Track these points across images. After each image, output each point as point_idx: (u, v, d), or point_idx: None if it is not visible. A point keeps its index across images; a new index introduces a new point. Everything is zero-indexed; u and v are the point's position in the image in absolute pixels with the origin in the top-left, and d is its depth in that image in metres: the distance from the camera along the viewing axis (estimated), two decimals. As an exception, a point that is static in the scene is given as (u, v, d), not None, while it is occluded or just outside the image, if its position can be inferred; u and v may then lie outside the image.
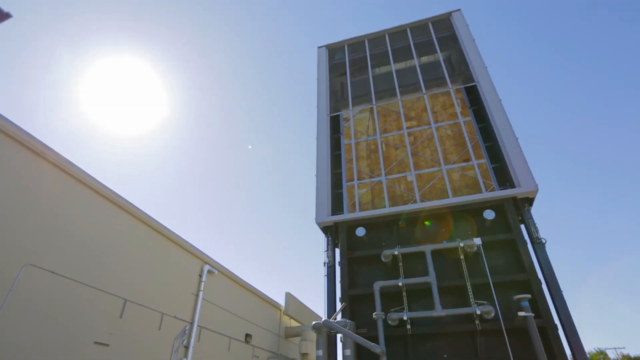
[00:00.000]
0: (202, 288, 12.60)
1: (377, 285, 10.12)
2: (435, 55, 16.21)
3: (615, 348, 34.11)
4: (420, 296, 10.25)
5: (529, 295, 8.63)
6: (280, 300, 18.86)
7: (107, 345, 8.61)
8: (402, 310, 9.98)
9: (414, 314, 9.61)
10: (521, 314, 8.43)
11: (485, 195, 11.00)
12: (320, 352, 9.57)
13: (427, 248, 10.34)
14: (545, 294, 9.28)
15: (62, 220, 8.18)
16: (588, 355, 8.82)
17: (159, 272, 10.95)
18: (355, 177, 13.09)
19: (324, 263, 11.76)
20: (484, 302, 9.39)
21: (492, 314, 9.08)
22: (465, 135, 12.66)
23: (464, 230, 10.90)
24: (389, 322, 9.79)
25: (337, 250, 11.92)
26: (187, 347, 11.29)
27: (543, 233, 10.43)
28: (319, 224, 12.24)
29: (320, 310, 22.47)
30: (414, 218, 11.52)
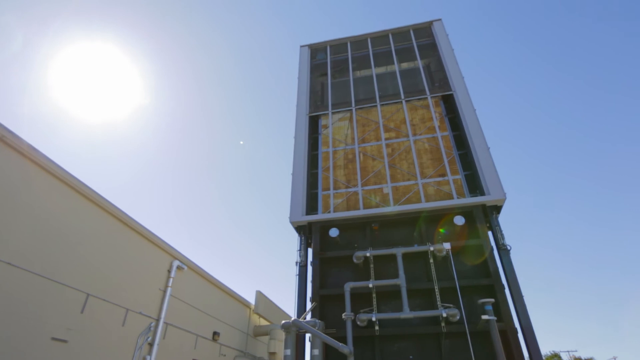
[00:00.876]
0: (170, 284, 12.29)
1: (348, 286, 10.20)
2: (415, 62, 16.53)
3: (568, 351, 35.99)
4: (389, 298, 10.43)
5: (492, 300, 8.96)
6: (251, 299, 18.70)
7: (65, 341, 8.24)
8: (371, 311, 10.12)
9: (383, 316, 9.76)
10: (484, 317, 8.73)
11: (456, 201, 11.32)
12: (289, 352, 9.55)
13: (398, 251, 10.53)
14: (507, 299, 9.65)
15: (19, 208, 7.76)
16: (544, 358, 9.24)
17: (126, 266, 10.59)
18: (332, 186, 13.00)
19: (297, 262, 11.75)
20: (450, 305, 9.67)
21: (457, 317, 9.36)
22: (442, 150, 12.84)
23: (434, 234, 11.17)
24: (358, 322, 9.89)
25: (310, 250, 11.93)
26: (151, 344, 10.98)
27: (508, 240, 10.83)
28: (292, 223, 12.21)
29: (291, 310, 22.37)
30: (386, 221, 11.69)
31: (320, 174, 13.65)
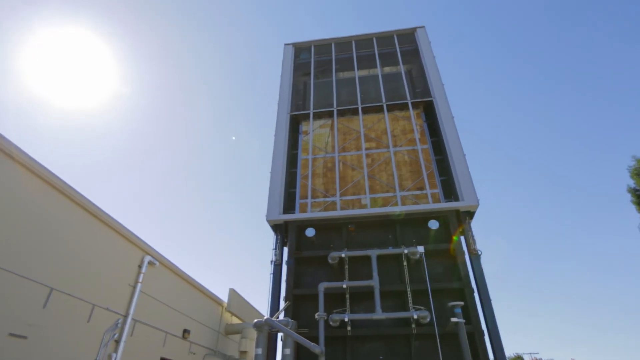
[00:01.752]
0: (140, 280, 11.97)
1: (322, 286, 10.23)
2: (397, 67, 16.76)
3: (530, 353, 37.46)
4: (363, 299, 10.53)
5: (462, 303, 9.19)
6: (224, 297, 18.46)
7: (24, 337, 7.88)
8: (344, 311, 10.18)
9: (355, 316, 9.84)
10: (453, 319, 8.95)
11: (432, 206, 11.56)
12: (260, 350, 9.48)
13: (373, 253, 10.64)
14: (476, 302, 9.94)
15: (-17, 197, 7.38)
16: (507, 359, 9.57)
17: (94, 260, 10.24)
18: (310, 195, 12.82)
19: (272, 261, 11.68)
20: (421, 307, 9.86)
21: (428, 319, 9.55)
22: (422, 163, 12.85)
23: (409, 238, 11.36)
24: (331, 323, 9.94)
25: (286, 249, 11.89)
26: (118, 342, 10.67)
27: (479, 245, 11.14)
28: (269, 221, 12.14)
29: (264, 309, 22.22)
30: (363, 223, 11.80)
31: (298, 181, 13.44)
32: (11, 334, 7.58)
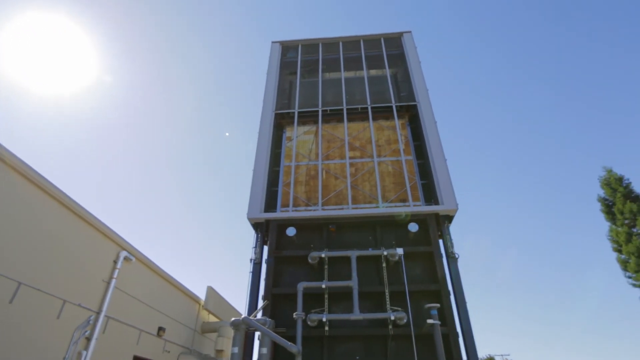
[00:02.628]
0: (115, 275, 11.68)
1: (301, 286, 10.22)
2: (383, 70, 16.91)
3: (502, 355, 38.43)
4: (341, 299, 10.57)
5: (438, 305, 9.35)
6: (202, 294, 18.20)
7: (-11, 332, 7.58)
8: (322, 311, 10.20)
9: (333, 316, 9.87)
10: (429, 321, 9.09)
11: (412, 209, 11.71)
12: (236, 349, 9.39)
13: (353, 254, 10.70)
14: (452, 304, 10.13)
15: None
16: (480, 361, 9.79)
17: (66, 254, 9.92)
18: (291, 203, 12.60)
19: (251, 259, 11.59)
20: (399, 308, 9.98)
21: (405, 320, 9.68)
22: (405, 175, 12.77)
23: (389, 239, 11.48)
24: (309, 322, 9.94)
25: (266, 248, 11.82)
26: (89, 339, 10.37)
27: (456, 248, 11.35)
28: (250, 219, 12.04)
29: (242, 307, 22.04)
30: (344, 224, 11.85)
31: (280, 188, 13.19)
32: (-26, 330, 7.28)
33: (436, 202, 11.88)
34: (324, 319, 9.82)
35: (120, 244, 12.17)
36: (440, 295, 10.23)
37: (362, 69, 16.83)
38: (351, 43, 17.94)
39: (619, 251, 24.09)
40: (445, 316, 9.81)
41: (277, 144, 14.61)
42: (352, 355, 9.95)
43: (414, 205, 12.05)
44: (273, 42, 17.91)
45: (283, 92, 16.66)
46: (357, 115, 15.00)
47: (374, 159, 13.36)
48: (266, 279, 10.98)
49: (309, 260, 10.88)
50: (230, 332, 15.21)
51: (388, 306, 10.04)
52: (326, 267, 10.85)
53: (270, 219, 12.00)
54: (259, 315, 10.18)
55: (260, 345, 9.39)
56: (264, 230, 12.06)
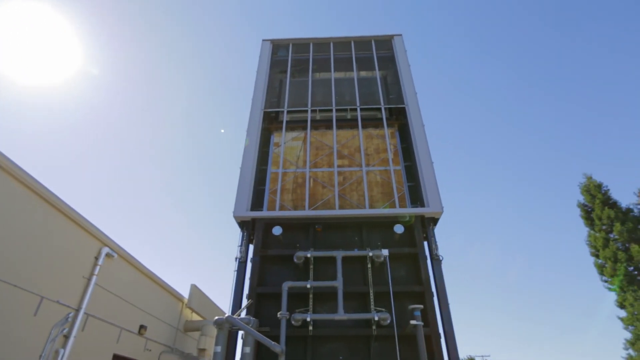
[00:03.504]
0: (96, 272, 11.44)
1: (286, 285, 10.20)
2: (373, 72, 17.00)
3: (482, 356, 39.02)
4: (326, 299, 10.59)
5: (421, 306, 9.46)
6: (186, 293, 17.99)
7: (-38, 329, 7.33)
8: (306, 311, 10.20)
9: (318, 316, 9.89)
10: (413, 322, 9.19)
11: (398, 210, 11.81)
12: (219, 349, 9.31)
13: (339, 254, 10.73)
14: (435, 306, 10.25)
15: None
16: (460, 361, 9.95)
17: (45, 249, 9.68)
18: (277, 209, 12.41)
19: (236, 258, 11.52)
20: (382, 309, 10.05)
21: (388, 321, 9.75)
22: (394, 185, 12.64)
23: (375, 241, 11.55)
24: (293, 322, 9.92)
25: (251, 247, 11.76)
26: (67, 336, 10.14)
27: (440, 251, 11.50)
28: (236, 218, 11.96)
29: (225, 306, 21.87)
30: (330, 224, 11.87)
31: (266, 197, 12.95)
32: (-54, 326, 7.04)
33: (422, 205, 12.01)
34: (308, 319, 9.82)
35: (102, 240, 11.93)
36: (423, 296, 10.35)
37: (352, 70, 16.89)
38: (342, 44, 17.98)
39: (597, 256, 24.82)
40: (428, 317, 9.93)
41: (265, 143, 14.53)
42: (336, 355, 9.98)
43: (400, 207, 12.15)
44: (264, 40, 17.82)
45: (273, 90, 16.60)
46: (347, 122, 14.87)
47: (362, 168, 13.17)
48: (251, 278, 10.92)
49: (295, 260, 10.86)
50: (214, 331, 15.07)
51: (372, 307, 10.11)
52: (312, 267, 10.86)
53: (256, 218, 11.94)
54: (243, 314, 10.12)
55: (244, 345, 9.34)
56: (250, 229, 11.99)
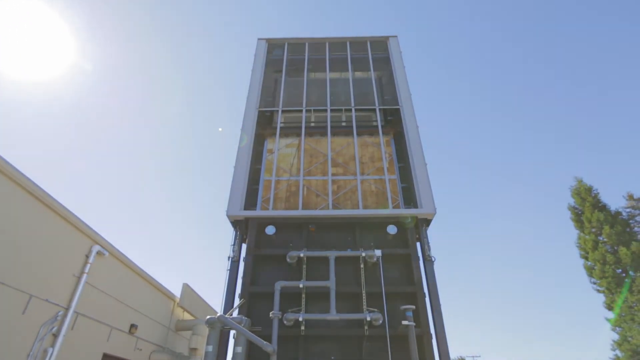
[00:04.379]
0: (87, 270, 11.32)
1: (279, 285, 10.19)
2: (368, 73, 17.04)
3: (473, 356, 39.33)
4: (318, 299, 10.59)
5: (413, 307, 9.51)
6: (177, 292, 17.87)
7: (-52, 327, 7.21)
8: (299, 311, 10.20)
9: (310, 316, 9.89)
10: (404, 322, 9.24)
11: (392, 211, 11.85)
12: (210, 348, 9.28)
13: (332, 254, 10.74)
14: (427, 306, 10.31)
15: None
16: (451, 362, 10.01)
17: (35, 247, 9.55)
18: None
19: (229, 257, 11.48)
20: (375, 309, 10.08)
21: (380, 321, 9.79)
22: (389, 195, 12.53)
23: (368, 241, 11.58)
24: (285, 322, 9.91)
25: (244, 246, 11.72)
26: (56, 335, 10.01)
27: (433, 252, 11.57)
28: (229, 217, 11.91)
29: (217, 305, 21.78)
30: (324, 224, 11.88)
31: (259, 205, 12.73)
32: None
33: (415, 206, 12.07)
34: (301, 319, 9.82)
35: (94, 237, 11.81)
36: (415, 297, 10.40)
37: (347, 71, 16.92)
38: (338, 44, 18.01)
39: (586, 258, 25.17)
40: (420, 318, 9.98)
41: (259, 142, 14.49)
42: (328, 355, 9.99)
43: (393, 208, 12.18)
44: (259, 39, 17.78)
45: (268, 89, 16.56)
46: (342, 130, 14.74)
47: (357, 177, 12.97)
48: (244, 277, 10.88)
49: (288, 260, 10.85)
50: (205, 331, 15.01)
51: (365, 307, 10.13)
52: (304, 266, 10.85)
53: (249, 217, 11.91)
54: (235, 313, 10.09)
55: (235, 344, 9.31)
56: (243, 228, 11.96)
